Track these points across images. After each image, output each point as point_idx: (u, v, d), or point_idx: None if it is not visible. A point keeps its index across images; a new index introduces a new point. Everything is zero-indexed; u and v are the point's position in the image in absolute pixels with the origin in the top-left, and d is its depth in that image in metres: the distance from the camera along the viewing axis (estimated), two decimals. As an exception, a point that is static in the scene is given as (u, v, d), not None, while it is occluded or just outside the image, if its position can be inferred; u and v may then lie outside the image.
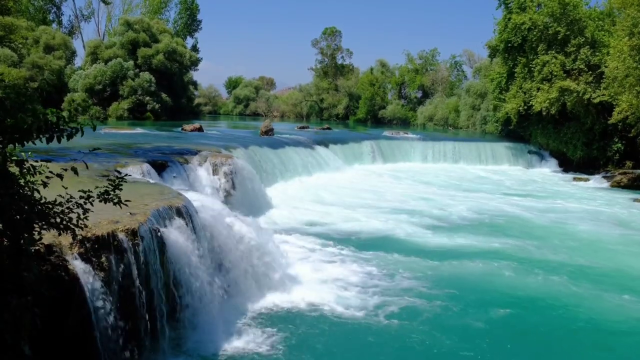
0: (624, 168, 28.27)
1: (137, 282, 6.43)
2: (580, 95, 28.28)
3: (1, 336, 4.09)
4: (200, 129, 29.68)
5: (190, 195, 9.30)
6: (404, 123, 59.83)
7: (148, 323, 6.58)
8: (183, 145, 17.99)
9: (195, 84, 58.02)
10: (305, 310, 8.72)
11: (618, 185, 25.22)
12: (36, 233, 4.52)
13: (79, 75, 45.87)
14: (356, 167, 27.32)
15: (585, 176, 27.53)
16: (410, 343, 7.77)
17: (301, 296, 9.15)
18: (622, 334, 8.47)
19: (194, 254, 7.63)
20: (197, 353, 7.16)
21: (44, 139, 4.41)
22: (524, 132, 33.56)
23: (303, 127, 40.33)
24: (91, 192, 5.01)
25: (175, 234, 7.43)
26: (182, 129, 29.84)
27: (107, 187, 5.15)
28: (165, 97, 46.92)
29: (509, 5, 32.04)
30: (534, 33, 30.04)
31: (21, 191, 4.44)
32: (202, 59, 67.69)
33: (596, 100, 27.73)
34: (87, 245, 5.89)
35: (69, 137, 4.40)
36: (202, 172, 14.74)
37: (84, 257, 5.80)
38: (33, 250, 4.65)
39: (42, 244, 5.01)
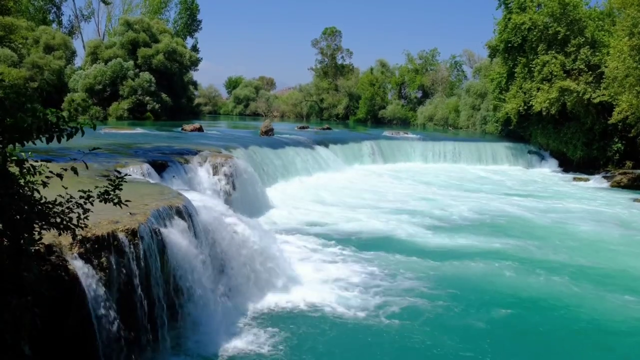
0: (624, 168, 28.27)
1: (137, 282, 6.42)
2: (580, 95, 28.28)
3: (1, 336, 4.08)
4: (200, 129, 29.67)
5: (191, 196, 9.30)
6: (404, 123, 59.83)
7: (148, 323, 6.57)
8: (183, 146, 17.98)
9: (195, 84, 58.02)
10: (306, 311, 8.71)
11: (618, 185, 25.22)
12: (36, 233, 4.51)
13: (79, 75, 45.87)
14: (356, 167, 27.32)
15: (585, 176, 27.53)
16: (411, 343, 7.76)
17: (302, 296, 9.14)
18: (623, 334, 8.46)
19: (194, 254, 7.62)
20: (197, 353, 7.15)
21: (44, 139, 4.40)
22: (524, 132, 33.56)
23: (303, 127, 40.33)
24: (91, 192, 5.00)
25: (175, 234, 7.43)
26: (182, 129, 29.83)
27: (107, 187, 5.14)
28: (165, 97, 46.92)
29: (509, 5, 32.04)
30: (534, 33, 30.04)
31: (21, 191, 4.43)
32: (202, 59, 67.75)
33: (596, 100, 27.73)
34: (87, 245, 5.89)
35: (69, 136, 4.38)
36: (202, 172, 14.73)
37: (84, 257, 5.79)
38: (33, 250, 4.64)
39: (42, 244, 4.99)
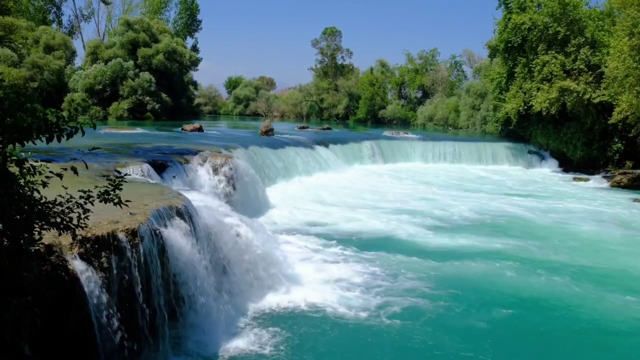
0: (624, 168, 28.26)
1: (137, 282, 6.42)
2: (580, 95, 28.27)
3: (1, 336, 4.08)
4: (200, 129, 29.67)
5: (191, 196, 9.28)
6: (404, 123, 59.84)
7: (148, 323, 6.56)
8: (183, 146, 17.97)
9: (195, 84, 58.02)
10: (307, 311, 8.69)
11: (618, 185, 25.22)
12: (36, 233, 4.51)
13: (79, 75, 45.86)
14: (356, 167, 27.32)
15: (585, 176, 27.53)
16: (412, 343, 7.75)
17: (303, 297, 9.12)
18: (624, 334, 8.45)
19: (194, 254, 7.61)
20: (197, 353, 7.14)
21: (44, 139, 4.40)
22: (524, 132, 33.56)
23: (303, 127, 40.32)
24: (91, 192, 4.99)
25: (175, 234, 7.42)
26: (182, 129, 29.82)
27: (107, 187, 5.14)
28: (165, 97, 46.91)
29: (509, 5, 32.03)
30: (534, 33, 30.03)
31: (21, 191, 4.42)
32: (202, 59, 67.75)
33: (596, 100, 27.72)
34: (87, 245, 5.88)
35: (69, 136, 4.38)
36: (202, 172, 14.73)
37: (84, 257, 5.79)
38: (33, 250, 4.64)
39: (42, 244, 4.99)
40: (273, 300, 8.95)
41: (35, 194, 4.53)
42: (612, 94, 26.19)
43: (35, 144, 4.47)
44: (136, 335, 6.39)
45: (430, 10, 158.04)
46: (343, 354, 7.57)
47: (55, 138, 4.35)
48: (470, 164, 31.27)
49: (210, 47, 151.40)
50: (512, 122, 32.59)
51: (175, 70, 49.16)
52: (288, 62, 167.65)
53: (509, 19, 31.17)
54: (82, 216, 4.91)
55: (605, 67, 26.90)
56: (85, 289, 5.60)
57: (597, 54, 28.60)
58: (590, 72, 28.59)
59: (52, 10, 62.94)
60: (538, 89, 29.99)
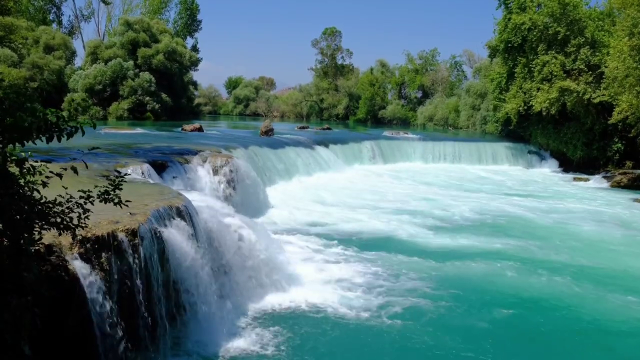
0: (624, 168, 28.26)
1: (137, 282, 6.41)
2: (580, 95, 28.28)
3: (1, 336, 4.07)
4: (200, 129, 29.66)
5: (192, 196, 9.27)
6: (404, 123, 59.84)
7: (148, 323, 6.56)
8: (183, 146, 17.97)
9: (195, 84, 58.03)
10: (308, 311, 8.68)
11: (618, 185, 25.22)
12: (36, 233, 4.50)
13: (79, 75, 45.86)
14: (356, 167, 27.31)
15: (586, 176, 27.53)
16: (413, 344, 7.74)
17: (304, 297, 9.10)
18: (625, 334, 8.44)
19: (194, 254, 7.60)
20: (197, 353, 7.13)
21: (44, 139, 4.39)
22: (524, 132, 33.55)
23: (303, 127, 40.31)
24: (91, 192, 4.99)
25: (176, 234, 7.41)
26: (182, 129, 29.81)
27: (107, 187, 5.13)
28: (165, 97, 46.91)
29: (509, 5, 32.03)
30: (534, 33, 30.03)
31: (21, 191, 4.42)
32: (202, 59, 67.83)
33: (596, 101, 27.72)
34: (87, 245, 5.87)
35: (69, 136, 4.37)
36: (203, 173, 14.72)
37: (84, 257, 5.78)
38: (33, 250, 4.63)
39: (42, 244, 4.98)
40: (274, 300, 8.94)
41: (35, 194, 4.52)
42: (612, 94, 26.19)
43: (35, 144, 4.46)
44: (136, 334, 6.39)
45: (430, 10, 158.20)
46: (344, 354, 7.56)
47: (55, 138, 4.34)
48: (470, 164, 31.27)
49: (210, 47, 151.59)
50: (512, 122, 32.59)
51: (175, 70, 49.17)
52: (288, 62, 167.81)
53: (509, 19, 31.17)
54: (82, 216, 4.91)
55: (605, 67, 26.90)
56: (85, 289, 5.60)
57: (597, 54, 28.60)
58: (590, 72, 28.59)
59: (52, 11, 62.97)
60: (538, 89, 29.99)
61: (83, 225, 4.94)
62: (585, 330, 8.53)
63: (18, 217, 4.30)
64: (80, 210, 4.91)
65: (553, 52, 29.63)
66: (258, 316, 8.43)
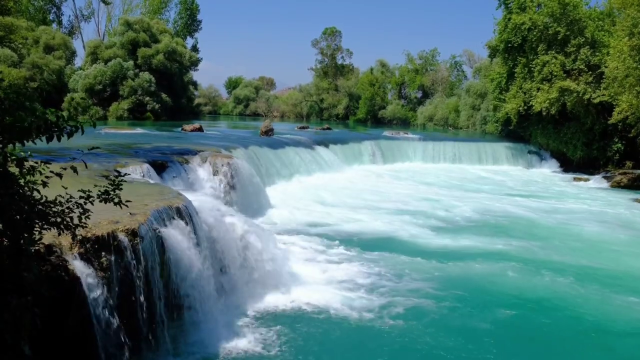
0: (624, 168, 28.26)
1: (137, 282, 6.41)
2: (580, 95, 28.27)
3: (1, 336, 4.07)
4: (200, 129, 29.65)
5: (192, 196, 9.26)
6: (404, 123, 59.84)
7: (148, 322, 6.55)
8: (183, 146, 17.95)
9: (195, 84, 58.03)
10: (310, 312, 8.65)
11: (618, 186, 25.22)
12: (36, 233, 4.50)
13: (79, 76, 45.86)
14: (356, 167, 27.30)
15: (586, 176, 27.52)
16: (416, 344, 7.73)
17: (306, 297, 9.07)
18: (628, 335, 8.43)
19: (194, 254, 7.60)
20: (197, 353, 7.11)
21: (44, 139, 4.39)
22: (524, 132, 33.55)
23: (303, 127, 40.28)
24: (91, 192, 4.98)
25: (175, 234, 7.41)
26: (182, 129, 29.80)
27: (107, 187, 5.13)
28: (165, 97, 46.91)
29: (509, 5, 32.02)
30: (534, 33, 30.03)
31: (21, 191, 4.42)
32: (202, 59, 67.84)
33: (596, 101, 27.72)
34: (87, 245, 5.87)
35: (69, 135, 4.37)
36: (202, 173, 14.71)
37: (84, 257, 5.78)
38: (33, 250, 4.63)
39: (42, 244, 4.98)
40: (275, 300, 8.91)
41: (35, 194, 4.52)
42: (612, 94, 26.19)
43: (35, 144, 4.46)
44: (136, 335, 6.39)
45: (430, 10, 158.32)
46: (346, 354, 7.55)
47: (55, 138, 4.34)
48: (470, 164, 31.27)
49: (210, 47, 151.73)
50: (512, 122, 32.58)
51: (175, 71, 49.17)
52: (288, 62, 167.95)
53: (509, 19, 31.16)
54: (83, 216, 4.90)
55: (605, 67, 26.90)
56: (85, 289, 5.60)
57: (597, 54, 28.60)
58: (590, 72, 28.58)
59: (52, 11, 62.98)
60: (538, 89, 29.98)
61: (83, 225, 4.94)
62: (587, 330, 8.52)
63: (18, 217, 4.29)
64: (80, 210, 4.91)
65: (553, 52, 29.62)
66: (259, 316, 8.40)
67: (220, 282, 8.45)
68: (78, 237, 5.50)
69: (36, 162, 4.61)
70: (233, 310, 8.33)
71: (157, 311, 6.77)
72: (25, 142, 4.31)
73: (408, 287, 9.94)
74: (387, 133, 37.08)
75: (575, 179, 27.38)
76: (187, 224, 7.81)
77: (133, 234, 6.48)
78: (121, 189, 5.16)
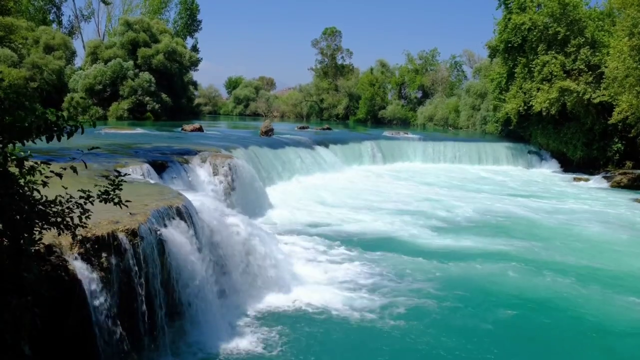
0: (624, 168, 28.26)
1: (137, 282, 6.40)
2: (580, 95, 28.27)
3: (1, 336, 4.06)
4: (200, 129, 29.64)
5: (192, 196, 9.25)
6: (404, 123, 59.84)
7: (148, 323, 6.54)
8: (183, 146, 17.94)
9: (195, 84, 58.03)
10: (311, 312, 8.63)
11: (618, 186, 25.22)
12: (36, 233, 4.49)
13: (79, 76, 45.85)
14: (356, 167, 27.30)
15: (586, 176, 27.52)
16: (417, 345, 7.71)
17: (307, 297, 9.05)
18: (629, 335, 8.41)
19: (194, 254, 7.60)
20: (197, 353, 7.11)
21: (44, 139, 4.39)
22: (524, 132, 33.55)
23: (303, 127, 40.27)
24: (91, 192, 4.98)
25: (175, 234, 7.40)
26: (182, 129, 29.80)
27: (107, 187, 5.12)
28: (165, 97, 46.90)
29: (509, 5, 32.02)
30: (534, 33, 30.02)
31: (21, 191, 4.41)
32: (202, 59, 67.84)
33: (596, 101, 27.71)
34: (87, 245, 5.87)
35: (69, 135, 4.37)
36: (202, 173, 14.71)
37: (84, 257, 5.77)
38: (33, 250, 4.62)
39: (42, 244, 4.97)
40: (276, 300, 8.89)
41: (35, 194, 4.52)
42: (612, 94, 26.18)
43: (35, 144, 4.45)
44: (136, 335, 6.38)
45: (430, 10, 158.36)
46: (348, 354, 7.54)
47: (55, 137, 4.34)
48: (470, 164, 31.28)
49: (210, 47, 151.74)
50: (512, 122, 32.58)
51: (175, 71, 49.16)
52: (288, 62, 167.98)
53: (509, 19, 31.15)
54: (83, 216, 4.90)
55: (605, 67, 26.89)
56: (85, 289, 5.59)
57: (597, 54, 28.59)
58: (590, 72, 28.58)
59: (52, 11, 62.99)
60: (538, 89, 29.98)
61: (83, 225, 4.93)
62: (588, 331, 8.50)
63: (18, 217, 4.29)
64: (80, 210, 4.90)
65: (553, 52, 29.62)
66: (260, 316, 8.39)
67: (221, 282, 8.44)
68: (78, 237, 5.49)
69: (36, 162, 4.60)
70: (234, 309, 8.32)
71: (157, 311, 6.76)
72: (25, 142, 4.31)
73: (409, 287, 9.92)
74: (387, 133, 37.07)
75: (575, 179, 27.37)
76: (187, 224, 7.80)
77: (133, 234, 6.47)
78: (121, 189, 5.15)
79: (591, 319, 8.87)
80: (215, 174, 14.81)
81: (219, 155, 15.68)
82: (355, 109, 66.32)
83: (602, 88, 27.37)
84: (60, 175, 4.51)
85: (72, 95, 44.64)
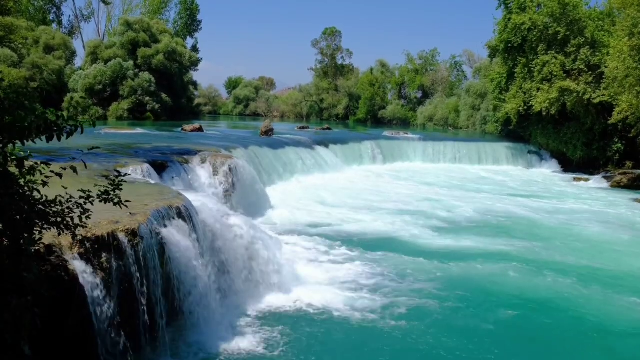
0: (624, 168, 28.25)
1: (137, 282, 6.39)
2: (580, 95, 28.27)
3: (1, 336, 4.05)
4: (200, 129, 29.63)
5: (193, 196, 9.24)
6: (404, 123, 59.84)
7: (148, 323, 6.53)
8: (183, 146, 17.93)
9: (195, 84, 58.02)
10: (312, 312, 8.61)
11: (618, 186, 25.21)
12: (36, 233, 4.48)
13: (79, 76, 45.84)
14: (356, 167, 27.30)
15: (586, 176, 27.51)
16: (418, 345, 7.70)
17: (308, 297, 9.01)
18: (629, 336, 8.40)
19: (194, 254, 7.58)
20: (197, 353, 7.09)
21: (44, 139, 4.38)
22: (524, 132, 33.54)
23: (303, 127, 40.26)
24: (91, 192, 4.97)
25: (176, 234, 7.39)
26: (182, 129, 29.79)
27: (107, 187, 5.11)
28: (165, 97, 46.89)
29: (509, 5, 32.02)
30: (534, 33, 30.02)
31: (21, 191, 4.40)
32: (202, 59, 67.86)
33: (596, 101, 27.71)
34: (87, 245, 5.85)
35: (69, 135, 4.36)
36: (202, 173, 14.69)
37: (84, 257, 5.76)
38: (33, 250, 4.61)
39: (42, 244, 4.96)
40: (277, 300, 8.87)
41: (35, 194, 4.51)
42: (612, 94, 26.18)
43: (35, 143, 4.44)
44: (136, 335, 6.37)
45: (430, 10, 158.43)
46: (348, 354, 7.52)
47: (55, 137, 4.33)
48: (470, 164, 31.28)
49: (210, 47, 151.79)
50: (512, 122, 32.58)
51: (175, 71, 49.16)
52: (288, 62, 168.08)
53: (509, 19, 31.15)
54: (83, 216, 4.89)
55: (605, 67, 26.89)
56: (85, 289, 5.58)
57: (597, 54, 28.59)
58: (590, 72, 28.58)
59: (52, 11, 62.99)
60: (538, 89, 29.98)
61: (83, 225, 4.92)
62: (589, 331, 8.49)
63: (18, 217, 4.28)
64: (80, 210, 4.89)
65: (553, 52, 29.61)
66: (261, 316, 8.36)
67: (221, 282, 8.42)
68: (78, 237, 5.48)
69: (36, 162, 4.59)
70: (234, 310, 8.30)
71: (157, 311, 6.75)
72: (25, 141, 4.30)
73: (410, 287, 9.90)
74: (387, 133, 37.07)
75: (575, 179, 27.36)
76: (187, 224, 7.79)
77: (133, 234, 6.46)
78: (121, 189, 5.14)
79: (592, 319, 8.85)
80: (215, 174, 14.80)
81: (219, 155, 15.67)
82: (355, 109, 66.32)
83: (602, 88, 27.37)
84: (60, 175, 4.50)
85: (72, 95, 44.64)
